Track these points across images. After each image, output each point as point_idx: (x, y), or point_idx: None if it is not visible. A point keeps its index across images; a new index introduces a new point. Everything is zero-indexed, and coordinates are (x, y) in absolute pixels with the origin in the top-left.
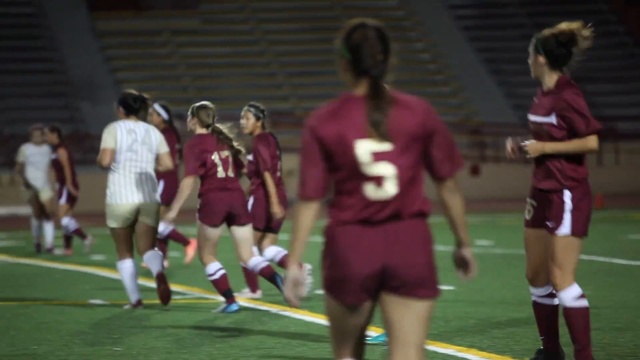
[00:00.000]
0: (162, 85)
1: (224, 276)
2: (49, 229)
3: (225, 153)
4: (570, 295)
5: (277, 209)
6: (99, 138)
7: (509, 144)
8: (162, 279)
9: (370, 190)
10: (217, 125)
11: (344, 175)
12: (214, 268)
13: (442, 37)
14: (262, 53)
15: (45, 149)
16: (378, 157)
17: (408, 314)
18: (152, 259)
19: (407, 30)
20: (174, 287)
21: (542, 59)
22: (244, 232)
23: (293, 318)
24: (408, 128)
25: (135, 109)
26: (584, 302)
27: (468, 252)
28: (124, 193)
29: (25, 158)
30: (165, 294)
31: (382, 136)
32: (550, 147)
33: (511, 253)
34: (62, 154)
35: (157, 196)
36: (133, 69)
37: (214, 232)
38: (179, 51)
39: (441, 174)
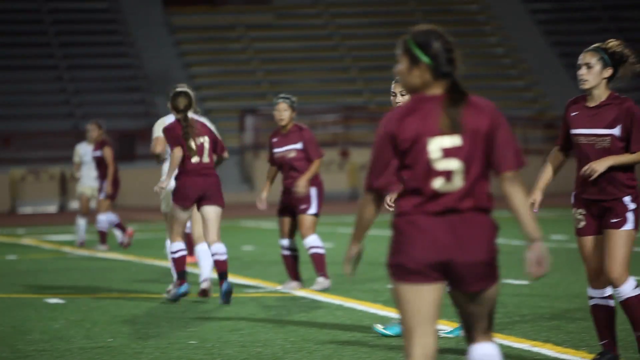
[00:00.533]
0: (235, 80)
1: (183, 257)
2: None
3: (201, 140)
4: (630, 287)
5: (303, 187)
6: None
7: (536, 197)
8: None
9: (438, 184)
10: (192, 115)
11: (415, 169)
12: (177, 247)
13: (517, 31)
14: (335, 47)
15: None
16: (448, 152)
17: (472, 303)
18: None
19: (482, 24)
20: (248, 281)
21: (609, 72)
22: (213, 211)
23: (367, 312)
24: (478, 126)
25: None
26: None
27: (538, 248)
28: (172, 180)
29: (80, 157)
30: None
31: (456, 128)
32: (615, 160)
33: None
34: (108, 152)
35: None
36: (207, 63)
37: (183, 214)
38: (253, 46)
39: (504, 168)
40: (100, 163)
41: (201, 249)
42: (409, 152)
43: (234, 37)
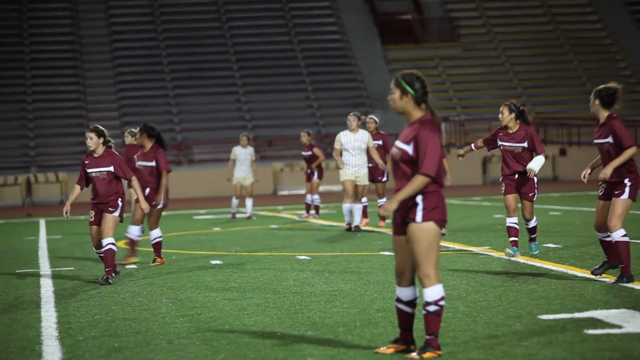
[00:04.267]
0: (432, 98)
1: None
2: (249, 203)
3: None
4: (619, 234)
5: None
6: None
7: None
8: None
9: None
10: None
11: None
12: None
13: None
14: (506, 72)
15: (249, 150)
16: None
17: None
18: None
19: (613, 53)
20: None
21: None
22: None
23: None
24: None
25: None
26: (626, 238)
27: None
28: (347, 168)
29: (236, 157)
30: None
31: None
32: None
33: None
34: (317, 150)
35: (364, 168)
36: None
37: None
38: (445, 72)
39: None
40: (308, 160)
41: (346, 206)
42: None
43: (432, 66)
